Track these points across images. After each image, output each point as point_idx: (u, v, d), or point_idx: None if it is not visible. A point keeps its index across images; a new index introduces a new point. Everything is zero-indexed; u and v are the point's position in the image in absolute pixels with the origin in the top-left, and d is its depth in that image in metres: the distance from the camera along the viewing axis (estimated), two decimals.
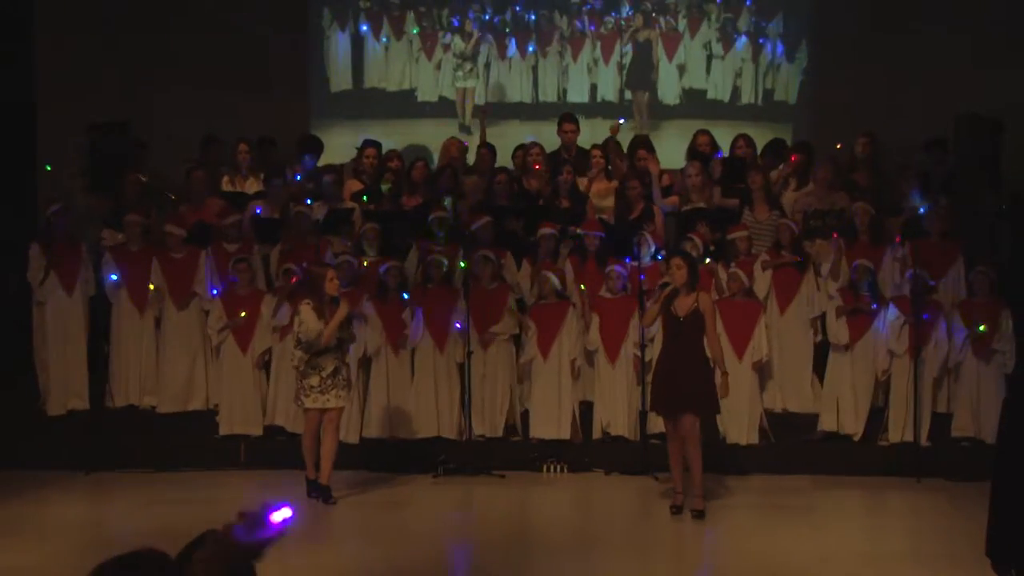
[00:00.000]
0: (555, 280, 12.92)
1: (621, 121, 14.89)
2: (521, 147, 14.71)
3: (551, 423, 12.86)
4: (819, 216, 13.39)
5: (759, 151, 14.35)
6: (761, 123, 16.26)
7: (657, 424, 12.06)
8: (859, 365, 12.72)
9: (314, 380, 11.20)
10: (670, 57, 16.82)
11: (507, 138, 15.44)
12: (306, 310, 11.20)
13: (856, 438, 12.65)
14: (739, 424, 12.61)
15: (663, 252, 12.87)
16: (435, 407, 12.92)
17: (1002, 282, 12.69)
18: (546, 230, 13.21)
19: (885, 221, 13.30)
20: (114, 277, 13.19)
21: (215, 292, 13.16)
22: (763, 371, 12.92)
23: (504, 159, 14.74)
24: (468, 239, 13.04)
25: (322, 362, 11.19)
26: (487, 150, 14.69)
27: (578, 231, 13.24)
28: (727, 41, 16.81)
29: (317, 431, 11.37)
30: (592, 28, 16.89)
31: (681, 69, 16.83)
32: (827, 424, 12.73)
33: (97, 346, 13.23)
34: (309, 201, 13.70)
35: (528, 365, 13.05)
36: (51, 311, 13.30)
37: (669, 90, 16.88)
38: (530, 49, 16.94)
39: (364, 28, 17.11)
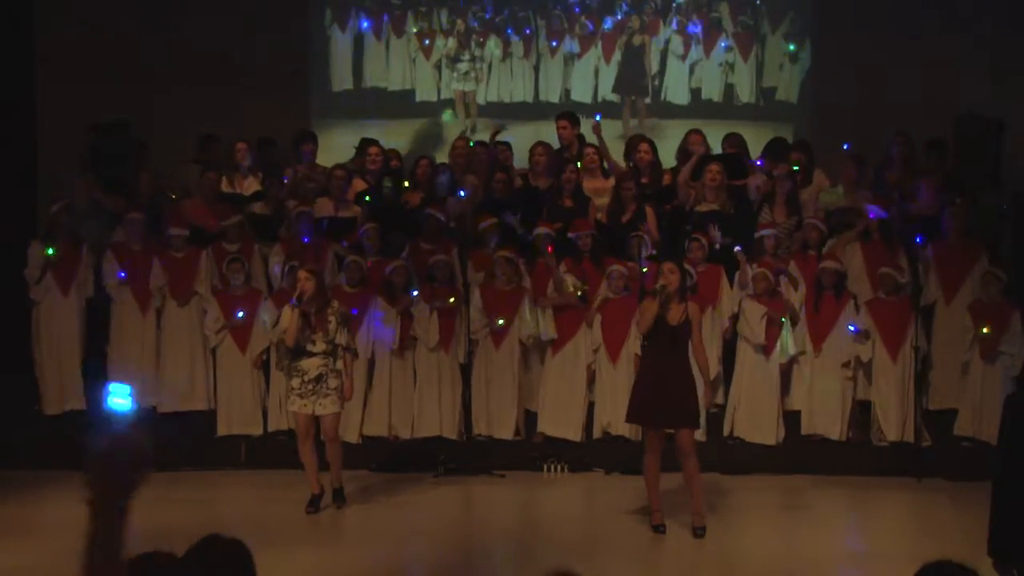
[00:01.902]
0: (579, 282, 12.90)
1: (597, 118, 14.71)
2: (500, 143, 14.69)
3: (562, 422, 12.87)
4: (841, 215, 13.34)
5: (761, 151, 14.33)
6: (762, 123, 16.24)
7: None
8: (827, 367, 12.72)
9: (295, 383, 10.93)
10: (684, 57, 16.80)
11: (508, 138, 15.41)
12: (286, 309, 10.96)
13: (833, 438, 12.62)
14: (765, 423, 12.61)
15: (654, 252, 12.88)
16: (437, 407, 12.91)
17: (1012, 283, 12.67)
18: (541, 230, 13.18)
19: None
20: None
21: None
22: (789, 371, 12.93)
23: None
24: (473, 240, 13.05)
25: (305, 366, 10.87)
26: (483, 149, 14.66)
27: (568, 234, 13.19)
28: (716, 39, 16.80)
29: (309, 438, 11.02)
30: (591, 27, 16.87)
31: (693, 68, 16.81)
32: (805, 426, 12.74)
33: (96, 346, 13.22)
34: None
35: (537, 357, 13.09)
36: (45, 311, 13.26)
37: (679, 91, 16.85)
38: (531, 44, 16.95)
39: (366, 25, 17.08)
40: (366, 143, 14.73)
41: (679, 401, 10.23)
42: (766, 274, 12.67)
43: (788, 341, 12.68)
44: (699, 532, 10.30)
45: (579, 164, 13.98)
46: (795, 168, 13.71)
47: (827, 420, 12.66)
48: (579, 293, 12.97)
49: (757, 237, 13.00)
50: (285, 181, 14.12)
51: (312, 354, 10.86)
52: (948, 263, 12.81)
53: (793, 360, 12.80)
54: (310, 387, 10.85)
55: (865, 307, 12.64)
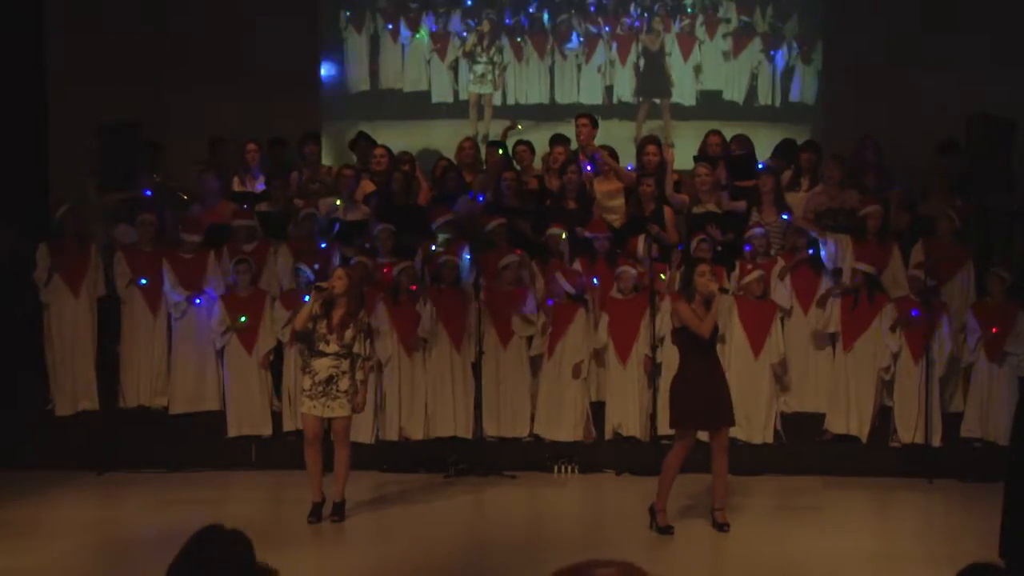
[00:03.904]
0: (567, 285, 12.92)
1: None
2: (521, 143, 14.72)
3: (556, 423, 12.88)
4: (831, 215, 13.34)
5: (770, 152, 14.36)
6: (779, 125, 16.20)
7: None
8: (859, 366, 12.68)
9: (306, 383, 10.78)
10: (685, 58, 16.78)
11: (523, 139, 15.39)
12: (312, 297, 10.81)
13: (861, 439, 12.60)
14: (756, 423, 12.61)
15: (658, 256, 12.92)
16: (450, 408, 12.92)
17: (1017, 283, 12.63)
18: (555, 230, 13.20)
19: (896, 221, 13.30)
20: (143, 281, 13.22)
21: (213, 294, 13.14)
22: (782, 371, 12.89)
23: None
24: (481, 240, 13.07)
25: (316, 366, 10.69)
26: (494, 151, 14.66)
27: (585, 234, 13.21)
28: (743, 42, 16.77)
29: (316, 441, 10.85)
30: (608, 29, 16.86)
31: (697, 70, 16.79)
32: (832, 426, 12.71)
33: (107, 347, 13.25)
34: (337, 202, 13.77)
35: (538, 360, 13.07)
36: (56, 312, 13.28)
37: (685, 92, 16.84)
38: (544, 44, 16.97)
39: (389, 27, 17.11)
40: (363, 140, 14.77)
41: (724, 400, 10.38)
42: (761, 277, 12.68)
43: (779, 341, 12.67)
44: (726, 527, 10.38)
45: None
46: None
47: (859, 422, 12.63)
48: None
49: (745, 238, 12.99)
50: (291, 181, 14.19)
51: (324, 354, 10.69)
52: (935, 263, 12.74)
53: (783, 361, 12.80)
54: (320, 388, 10.67)
55: (894, 305, 12.60)
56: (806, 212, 13.39)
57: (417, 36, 16.97)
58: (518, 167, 14.41)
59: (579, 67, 16.91)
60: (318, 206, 13.65)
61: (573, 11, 16.89)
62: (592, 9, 16.91)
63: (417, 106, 17.06)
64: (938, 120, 14.17)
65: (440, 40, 17.03)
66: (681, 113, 16.73)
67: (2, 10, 14.38)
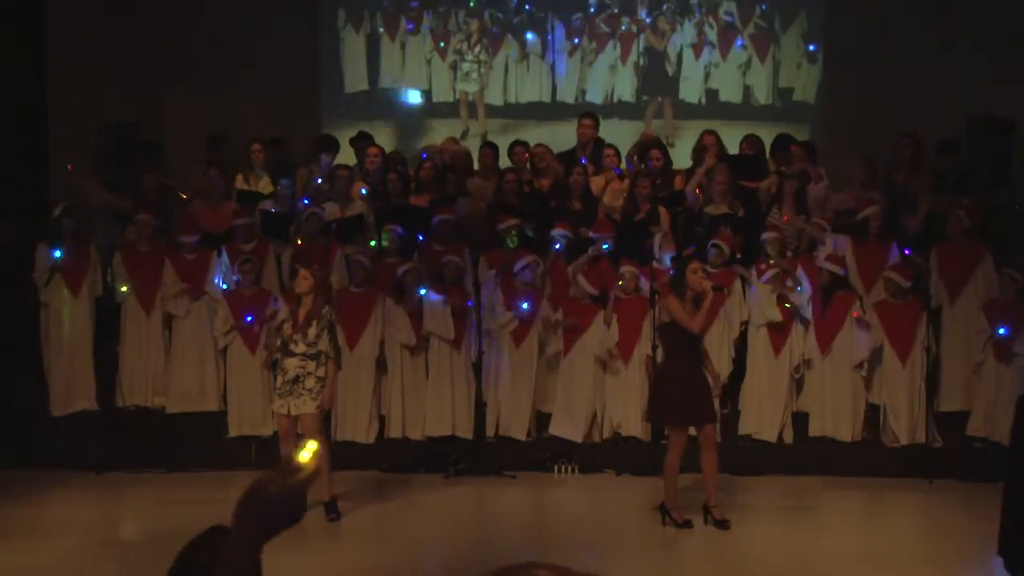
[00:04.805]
0: (587, 286, 12.91)
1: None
2: (518, 143, 14.69)
3: (567, 423, 12.86)
4: (849, 215, 13.29)
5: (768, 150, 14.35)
6: (780, 123, 16.19)
7: None
8: (837, 369, 12.63)
9: (277, 381, 10.88)
10: (696, 56, 16.77)
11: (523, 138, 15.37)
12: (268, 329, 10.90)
13: (845, 439, 12.55)
14: (773, 422, 12.60)
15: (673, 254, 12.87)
16: (450, 406, 12.91)
17: None
18: (557, 231, 13.17)
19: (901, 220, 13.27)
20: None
21: (224, 286, 13.15)
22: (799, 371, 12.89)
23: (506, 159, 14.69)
24: (488, 240, 13.06)
25: (286, 365, 10.75)
26: (490, 150, 14.65)
27: (590, 234, 13.19)
28: (740, 41, 16.78)
29: (288, 440, 10.76)
30: (625, 26, 16.84)
31: (706, 70, 16.78)
32: (812, 428, 12.67)
33: (106, 346, 13.23)
34: (307, 201, 13.64)
35: (554, 358, 13.05)
36: (56, 312, 13.25)
37: (692, 91, 16.84)
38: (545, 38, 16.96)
39: (382, 28, 17.11)
40: (363, 139, 14.77)
41: (705, 398, 10.52)
42: (777, 276, 12.65)
43: (797, 342, 12.65)
44: (726, 524, 10.41)
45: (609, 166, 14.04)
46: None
47: (837, 422, 12.59)
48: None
49: (761, 240, 12.96)
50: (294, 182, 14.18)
51: (293, 354, 10.74)
52: (951, 264, 12.74)
53: (800, 363, 12.77)
54: (288, 387, 10.72)
55: (873, 308, 12.59)
56: (825, 211, 13.35)
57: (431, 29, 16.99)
58: (515, 167, 14.40)
59: (580, 65, 16.90)
60: (323, 207, 13.62)
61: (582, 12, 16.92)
62: (593, 10, 16.90)
63: (417, 106, 17.07)
64: (938, 120, 14.15)
65: (440, 39, 17.02)
66: (685, 112, 16.73)
67: (2, 10, 14.36)
